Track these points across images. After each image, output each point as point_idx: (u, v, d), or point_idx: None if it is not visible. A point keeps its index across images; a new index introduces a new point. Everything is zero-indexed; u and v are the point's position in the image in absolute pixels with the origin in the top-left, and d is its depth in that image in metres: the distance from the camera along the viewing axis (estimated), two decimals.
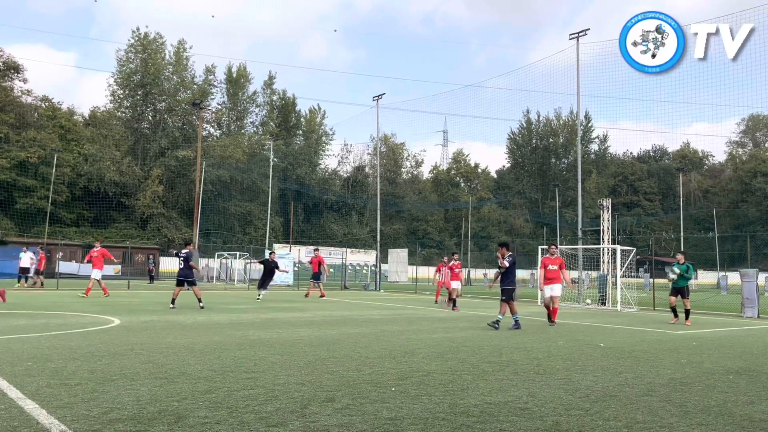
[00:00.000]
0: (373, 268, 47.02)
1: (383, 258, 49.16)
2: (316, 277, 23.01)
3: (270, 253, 20.03)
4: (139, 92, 61.09)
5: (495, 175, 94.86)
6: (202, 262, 41.13)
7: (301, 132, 76.90)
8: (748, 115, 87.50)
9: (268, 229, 54.16)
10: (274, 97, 74.50)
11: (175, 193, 58.47)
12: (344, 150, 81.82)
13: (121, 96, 61.96)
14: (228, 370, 6.65)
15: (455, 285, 19.55)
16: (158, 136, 60.17)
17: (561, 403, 5.39)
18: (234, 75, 69.72)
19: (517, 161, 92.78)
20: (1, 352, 7.44)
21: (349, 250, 49.89)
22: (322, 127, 77.56)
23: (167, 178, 57.63)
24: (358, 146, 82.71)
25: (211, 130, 67.64)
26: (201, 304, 16.22)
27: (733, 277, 32.50)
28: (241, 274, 41.50)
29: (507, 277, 12.97)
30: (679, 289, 14.83)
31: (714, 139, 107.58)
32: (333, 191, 74.00)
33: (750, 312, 18.29)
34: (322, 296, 22.51)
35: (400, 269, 55.62)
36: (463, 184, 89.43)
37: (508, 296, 12.77)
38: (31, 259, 27.05)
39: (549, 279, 13.69)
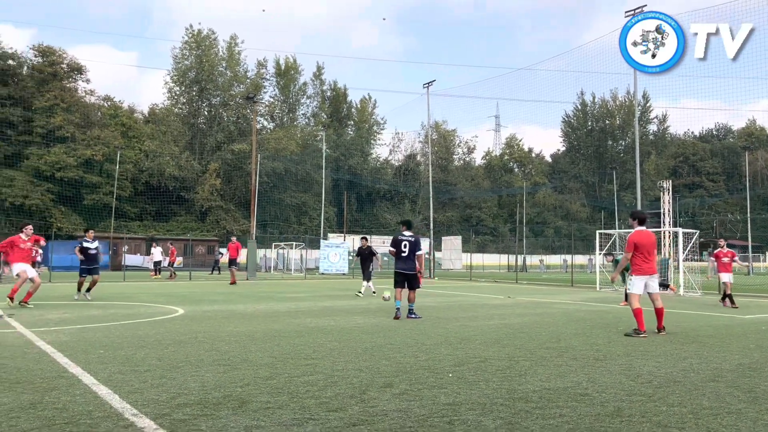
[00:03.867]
0: (426, 255, 47.02)
1: (436, 246, 49.04)
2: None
3: (361, 239, 19.50)
4: (195, 88, 62.65)
5: (550, 160, 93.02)
6: (260, 253, 42.02)
7: (352, 122, 77.28)
8: None
9: (322, 219, 54.88)
10: (325, 88, 75.10)
11: (232, 186, 59.83)
12: (395, 139, 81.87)
13: (178, 93, 63.70)
14: (288, 356, 6.81)
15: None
16: (214, 131, 61.63)
17: (622, 389, 5.29)
18: (283, 68, 70.60)
19: (572, 144, 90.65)
20: (75, 341, 7.83)
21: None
22: (373, 117, 77.76)
23: (224, 171, 59.02)
24: (409, 134, 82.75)
25: (265, 123, 68.80)
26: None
27: None
28: (298, 263, 42.23)
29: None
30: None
31: None
32: (385, 180, 74.19)
33: None
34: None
35: (454, 257, 55.44)
36: (516, 170, 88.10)
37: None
38: (162, 253, 30.78)
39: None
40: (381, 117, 78.75)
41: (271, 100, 70.23)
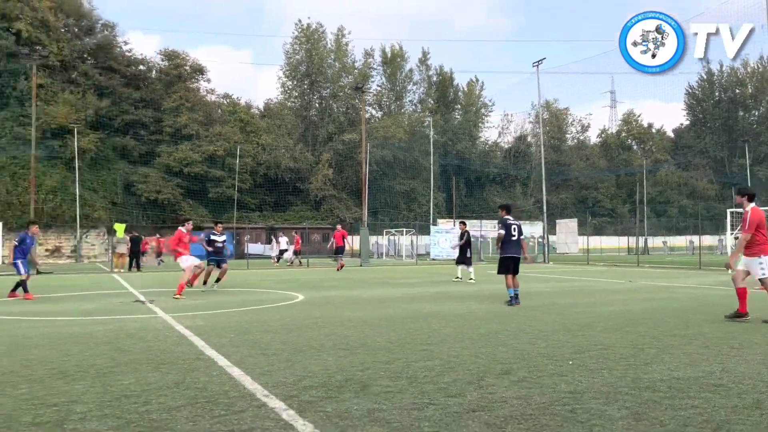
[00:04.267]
0: (540, 240, 45.86)
1: (550, 229, 47.66)
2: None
3: (460, 224, 19.53)
4: (306, 82, 64.70)
5: (672, 135, 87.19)
6: (372, 240, 42.86)
7: (459, 106, 76.50)
8: None
9: (431, 205, 54.99)
10: (431, 73, 74.83)
11: (343, 175, 61.39)
12: (504, 120, 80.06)
13: (290, 87, 66.09)
14: (404, 342, 6.95)
15: None
16: (325, 122, 63.44)
17: (762, 380, 4.94)
18: (390, 56, 71.11)
19: (697, 118, 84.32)
20: (209, 325, 8.44)
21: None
22: (481, 99, 76.48)
23: (336, 161, 60.64)
24: (519, 115, 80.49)
25: (373, 112, 69.80)
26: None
27: None
28: (409, 249, 42.68)
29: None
30: None
31: None
32: (494, 163, 72.96)
33: None
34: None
35: (569, 240, 53.67)
36: (635, 147, 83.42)
37: None
38: (287, 242, 32.55)
39: None
40: (489, 99, 77.10)
41: (379, 88, 71.08)
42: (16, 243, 13.90)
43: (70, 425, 3.82)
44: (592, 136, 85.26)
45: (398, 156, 62.58)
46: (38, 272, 25.11)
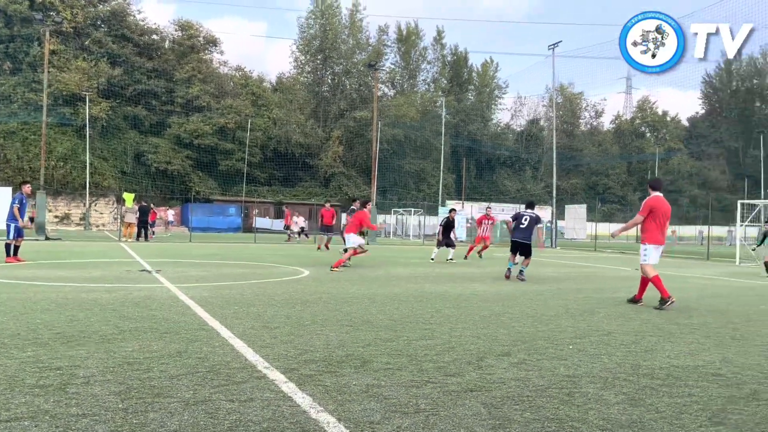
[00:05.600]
0: (548, 224, 45.74)
1: (559, 215, 47.51)
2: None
3: (450, 211, 19.81)
4: (319, 57, 64.35)
5: (687, 124, 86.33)
6: (380, 219, 42.92)
7: (472, 87, 75.96)
8: None
9: (440, 186, 54.89)
10: (445, 53, 74.20)
11: (353, 153, 61.30)
12: (517, 103, 79.53)
13: (303, 62, 65.76)
14: (407, 320, 6.99)
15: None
16: (337, 99, 63.18)
17: (761, 370, 4.94)
18: (405, 34, 70.48)
19: (713, 107, 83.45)
20: (213, 297, 8.52)
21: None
22: (495, 81, 75.89)
23: (346, 138, 60.51)
24: (533, 99, 79.57)
25: (386, 90, 69.44)
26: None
27: None
28: (416, 229, 42.70)
29: None
30: None
31: None
32: (506, 146, 72.59)
33: None
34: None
35: (578, 226, 53.44)
36: (648, 134, 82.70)
37: None
38: (304, 220, 33.89)
39: None
40: (503, 81, 76.52)
41: (392, 66, 70.66)
42: (17, 204, 13.90)
43: (72, 389, 3.88)
44: (606, 122, 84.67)
45: (409, 135, 62.36)
46: (47, 238, 25.37)
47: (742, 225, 22.55)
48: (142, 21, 57.58)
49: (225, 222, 46.42)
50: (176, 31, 58.73)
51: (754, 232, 20.77)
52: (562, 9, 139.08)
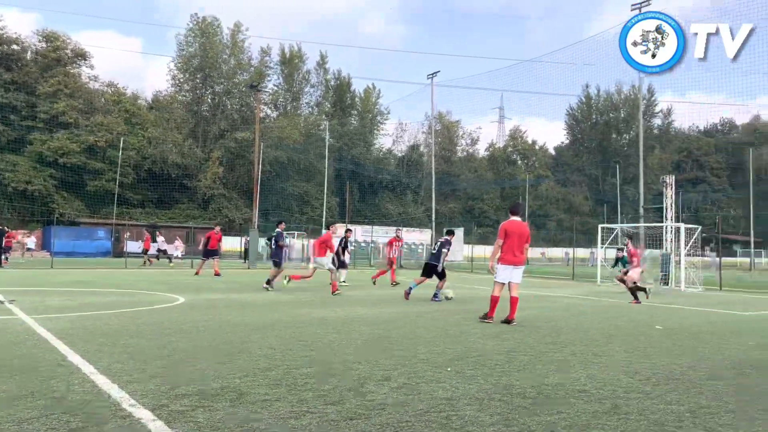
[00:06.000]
0: (428, 247, 47.02)
1: (438, 237, 49.00)
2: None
3: (346, 231, 19.61)
4: (198, 76, 62.53)
5: (553, 152, 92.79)
6: (261, 242, 42.08)
7: (356, 111, 77.07)
8: None
9: (324, 208, 54.84)
10: (329, 77, 74.85)
11: (234, 174, 59.84)
12: (399, 129, 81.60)
13: (182, 80, 63.59)
14: (287, 348, 6.82)
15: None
16: (218, 119, 61.57)
17: (620, 385, 5.29)
18: (288, 56, 70.34)
19: (576, 137, 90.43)
20: (75, 329, 7.85)
21: (404, 229, 49.95)
22: (377, 107, 77.50)
23: (227, 159, 58.99)
24: (413, 125, 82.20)
25: (269, 111, 68.67)
26: (266, 286, 15.79)
27: None
28: (299, 253, 42.24)
29: None
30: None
31: None
32: (388, 171, 74.07)
33: None
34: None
35: (455, 248, 55.38)
36: (519, 162, 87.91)
37: None
38: (164, 241, 32.21)
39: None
40: (385, 107, 78.30)
41: (275, 88, 70.11)
42: None
43: None
44: (481, 149, 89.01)
45: (293, 158, 61.94)
46: None
47: (602, 247, 24.41)
48: (0, 29, 53.08)
49: (93, 246, 43.39)
50: (40, 41, 54.75)
51: (613, 253, 22.52)
52: (441, 39, 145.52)
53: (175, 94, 63.48)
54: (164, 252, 31.96)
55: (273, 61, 69.08)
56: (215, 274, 21.68)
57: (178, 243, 35.94)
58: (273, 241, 17.33)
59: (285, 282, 15.90)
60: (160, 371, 5.37)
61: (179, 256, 34.86)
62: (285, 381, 5.12)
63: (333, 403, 4.44)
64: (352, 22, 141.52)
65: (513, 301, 9.47)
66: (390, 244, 20.67)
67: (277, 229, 17.47)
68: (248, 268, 29.60)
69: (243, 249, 39.73)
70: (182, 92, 64.13)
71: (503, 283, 9.52)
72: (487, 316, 9.59)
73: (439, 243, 14.21)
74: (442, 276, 13.64)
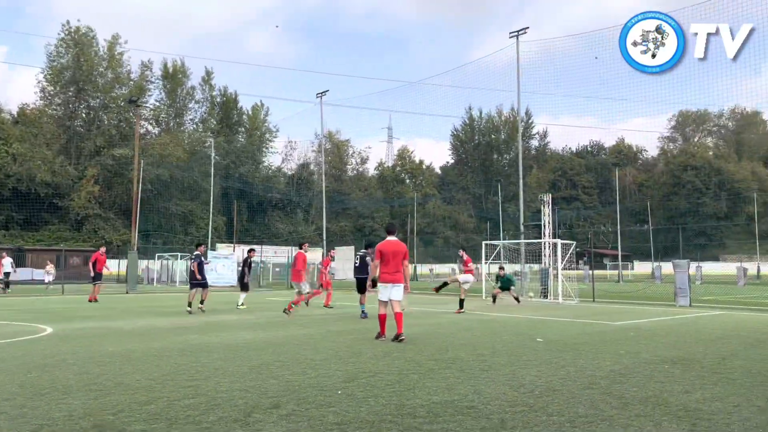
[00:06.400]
0: (319, 266, 46.69)
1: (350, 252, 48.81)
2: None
3: (249, 251, 18.74)
4: (71, 89, 58.80)
5: (439, 172, 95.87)
6: (141, 264, 39.91)
7: (243, 129, 75.59)
8: (677, 112, 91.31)
9: (210, 228, 53.03)
10: (215, 94, 72.98)
11: (112, 193, 56.58)
12: (288, 147, 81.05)
13: (52, 93, 59.51)
14: (168, 378, 6.42)
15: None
16: (93, 135, 58.06)
17: (506, 399, 5.43)
18: (171, 71, 67.89)
19: (460, 157, 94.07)
20: None
21: (294, 248, 49.34)
22: (266, 124, 76.51)
23: (104, 177, 55.69)
24: (303, 143, 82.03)
25: (149, 127, 65.78)
26: (187, 309, 15.43)
27: (667, 267, 33.89)
28: (183, 275, 40.48)
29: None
30: (505, 287, 19.95)
31: (647, 134, 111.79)
32: (277, 189, 73.12)
33: (683, 301, 19.07)
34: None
35: (347, 267, 55.45)
36: (408, 181, 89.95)
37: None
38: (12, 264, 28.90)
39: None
40: (273, 125, 77.43)
41: (157, 103, 67.34)
42: None
43: None
44: (371, 168, 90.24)
45: (176, 176, 59.55)
46: None
47: (486, 263, 25.35)
48: None
49: None
50: None
51: (496, 268, 23.47)
52: (329, 59, 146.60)
53: (44, 108, 59.21)
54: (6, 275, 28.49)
55: (155, 76, 66.48)
56: (90, 300, 20.30)
57: (49, 267, 33.23)
58: (197, 265, 16.01)
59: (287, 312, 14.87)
60: (21, 411, 4.85)
61: (49, 281, 32.26)
62: (165, 415, 4.80)
63: None
64: (237, 39, 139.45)
65: (398, 318, 9.56)
66: (326, 264, 20.48)
67: (196, 252, 16.50)
68: (126, 293, 27.93)
69: (120, 272, 37.31)
70: (53, 106, 59.98)
71: (385, 301, 9.66)
72: (379, 335, 9.77)
73: (359, 256, 14.75)
74: (363, 290, 14.21)
